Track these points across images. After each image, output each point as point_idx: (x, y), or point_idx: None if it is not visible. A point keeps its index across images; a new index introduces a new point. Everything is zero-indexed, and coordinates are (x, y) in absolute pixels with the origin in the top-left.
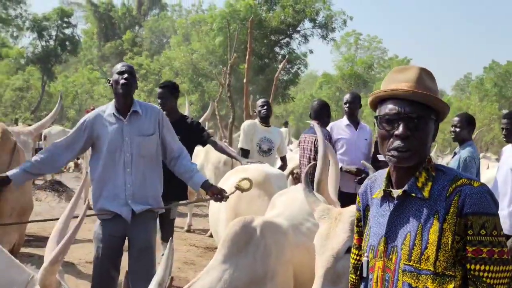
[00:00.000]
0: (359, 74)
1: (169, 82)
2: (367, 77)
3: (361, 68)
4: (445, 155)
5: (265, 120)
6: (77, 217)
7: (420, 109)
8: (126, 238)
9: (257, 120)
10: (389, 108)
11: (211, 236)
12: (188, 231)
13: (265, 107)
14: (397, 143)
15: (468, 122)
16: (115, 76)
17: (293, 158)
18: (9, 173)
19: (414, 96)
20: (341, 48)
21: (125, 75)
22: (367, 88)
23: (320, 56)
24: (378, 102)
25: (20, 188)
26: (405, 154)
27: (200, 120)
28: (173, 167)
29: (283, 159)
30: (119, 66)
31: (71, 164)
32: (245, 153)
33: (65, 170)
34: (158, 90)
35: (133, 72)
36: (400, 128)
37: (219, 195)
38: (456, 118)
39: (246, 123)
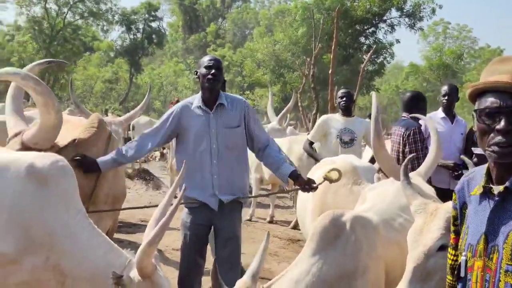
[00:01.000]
0: (448, 64)
1: None
2: (456, 67)
3: (449, 58)
4: None
5: (345, 111)
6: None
7: None
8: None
9: (338, 113)
10: (489, 101)
11: (294, 228)
12: (270, 222)
13: (344, 98)
14: (498, 138)
15: None
16: (203, 70)
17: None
18: (98, 159)
19: None
20: (429, 37)
21: (212, 71)
22: (456, 79)
23: (406, 46)
24: (478, 94)
25: (114, 177)
26: (507, 149)
27: (283, 112)
28: (261, 158)
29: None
30: (206, 60)
31: (157, 153)
32: (310, 144)
33: (151, 159)
34: None
35: (220, 66)
36: (502, 123)
37: (307, 185)
38: None
39: (322, 117)
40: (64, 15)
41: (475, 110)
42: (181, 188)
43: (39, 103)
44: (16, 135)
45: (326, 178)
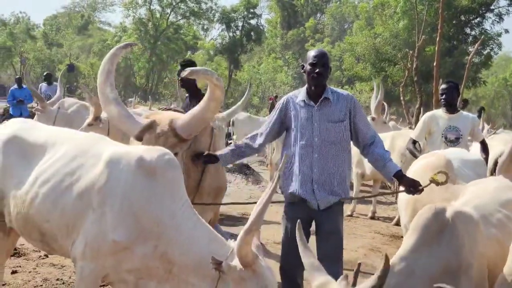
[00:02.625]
0: None
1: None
2: None
3: None
4: None
5: (448, 108)
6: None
7: None
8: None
9: (441, 109)
10: None
11: (396, 224)
12: (372, 218)
13: (444, 95)
14: None
15: None
16: (308, 67)
17: (492, 146)
18: (218, 153)
19: None
20: None
21: (317, 70)
22: None
23: None
24: None
25: (216, 170)
26: None
27: (375, 105)
28: (366, 155)
29: (482, 143)
30: (311, 56)
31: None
32: (413, 143)
33: None
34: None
35: (326, 62)
36: None
37: (412, 187)
38: None
39: (426, 115)
40: (168, 15)
41: None
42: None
43: (214, 97)
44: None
45: (432, 181)
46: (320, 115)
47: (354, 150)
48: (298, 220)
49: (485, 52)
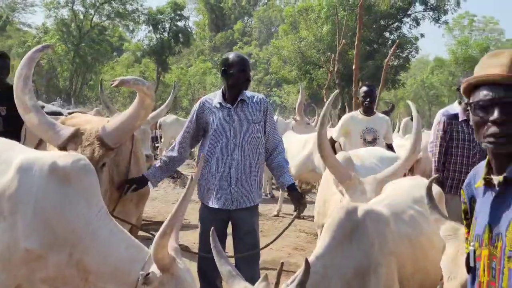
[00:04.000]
0: (474, 57)
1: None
2: None
3: (476, 51)
4: None
5: (367, 110)
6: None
7: None
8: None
9: (359, 111)
10: (482, 94)
11: None
12: (276, 215)
13: (368, 98)
14: (493, 129)
15: None
16: (228, 69)
17: (404, 145)
18: (146, 174)
19: (507, 79)
20: (454, 31)
21: (247, 74)
22: None
23: (431, 40)
24: (472, 89)
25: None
26: (502, 139)
27: (296, 108)
28: (267, 159)
29: (390, 147)
30: (230, 58)
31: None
32: (332, 143)
33: None
34: None
35: (246, 65)
36: (495, 114)
37: (298, 202)
38: None
39: (344, 117)
40: (91, 16)
41: (469, 104)
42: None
43: (144, 106)
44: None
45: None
46: (238, 116)
47: None
48: (212, 228)
49: (403, 56)
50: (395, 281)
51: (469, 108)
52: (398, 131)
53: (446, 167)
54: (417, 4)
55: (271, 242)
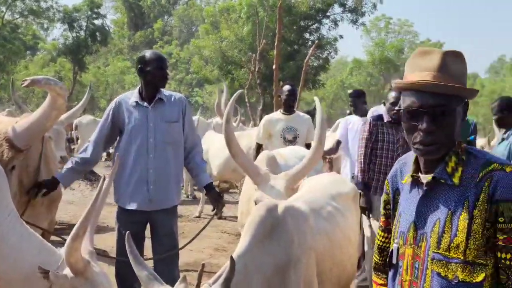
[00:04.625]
0: (390, 58)
1: None
2: (398, 61)
3: (391, 52)
4: None
5: (287, 109)
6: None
7: (445, 100)
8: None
9: (279, 110)
10: (411, 100)
11: None
12: (220, 218)
13: (292, 96)
14: (422, 137)
15: (509, 105)
16: (144, 67)
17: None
18: (58, 176)
19: (436, 88)
20: (371, 33)
21: (163, 72)
22: (398, 73)
23: (350, 41)
24: (401, 90)
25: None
26: (431, 147)
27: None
28: (185, 159)
29: (308, 146)
30: (147, 56)
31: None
32: (258, 147)
33: None
34: None
35: (162, 63)
36: (424, 123)
37: (216, 200)
38: (496, 104)
39: (264, 118)
40: (3, 14)
41: (398, 109)
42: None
43: (56, 106)
44: None
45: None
46: (155, 115)
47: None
48: (128, 232)
49: (323, 56)
50: (314, 276)
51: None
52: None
53: (371, 168)
54: (335, 6)
55: (188, 243)
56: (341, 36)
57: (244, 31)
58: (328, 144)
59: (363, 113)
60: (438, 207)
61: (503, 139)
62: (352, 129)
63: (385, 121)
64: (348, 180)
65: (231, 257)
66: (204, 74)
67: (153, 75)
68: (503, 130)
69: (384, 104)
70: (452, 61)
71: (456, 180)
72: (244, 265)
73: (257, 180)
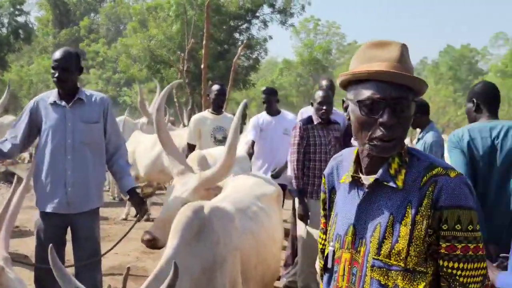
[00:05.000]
0: (318, 59)
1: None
2: (326, 62)
3: (319, 53)
4: None
5: (216, 109)
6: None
7: (405, 92)
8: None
9: (207, 110)
10: (371, 92)
11: None
12: (147, 220)
13: (221, 96)
14: (382, 131)
15: (421, 107)
16: (54, 66)
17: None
18: None
19: (402, 79)
20: (301, 34)
21: (56, 74)
22: (327, 73)
23: (281, 42)
24: (353, 82)
25: None
26: (390, 143)
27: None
28: (108, 162)
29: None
30: (54, 55)
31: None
32: (191, 148)
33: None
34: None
35: (66, 66)
36: (385, 116)
37: (138, 205)
38: None
39: (193, 118)
40: None
41: (357, 101)
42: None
43: None
44: None
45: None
46: (73, 115)
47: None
48: (50, 245)
49: (253, 57)
50: (239, 275)
51: (350, 104)
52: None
53: (305, 173)
54: (265, 6)
55: (111, 249)
56: (270, 37)
57: (173, 30)
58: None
59: (275, 112)
60: (379, 211)
61: (419, 139)
62: (266, 127)
63: (315, 123)
64: (271, 180)
65: (175, 263)
66: (132, 73)
67: (56, 75)
68: (419, 130)
69: (312, 104)
70: (407, 54)
71: (399, 183)
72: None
73: (175, 172)
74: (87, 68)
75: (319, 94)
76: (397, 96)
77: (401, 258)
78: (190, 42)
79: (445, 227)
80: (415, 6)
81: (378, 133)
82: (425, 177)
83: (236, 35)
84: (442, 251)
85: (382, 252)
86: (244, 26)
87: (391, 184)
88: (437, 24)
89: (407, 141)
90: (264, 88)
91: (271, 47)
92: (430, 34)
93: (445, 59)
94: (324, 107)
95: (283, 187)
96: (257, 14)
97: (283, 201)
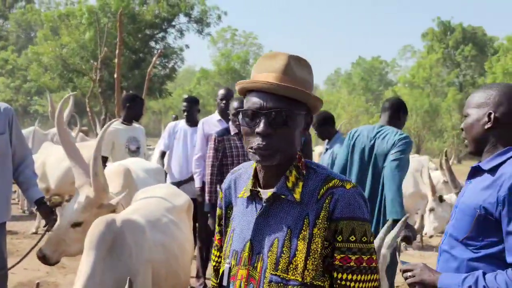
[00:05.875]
0: (236, 69)
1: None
2: (244, 72)
3: (237, 63)
4: None
5: (127, 119)
6: None
7: (286, 104)
8: None
9: (119, 120)
10: (252, 101)
11: None
12: (35, 233)
13: (137, 107)
14: (258, 141)
15: (327, 119)
16: None
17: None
18: None
19: (278, 90)
20: (218, 43)
21: None
22: None
23: (198, 51)
24: (246, 92)
25: None
26: (266, 152)
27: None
28: (14, 172)
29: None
30: None
31: None
32: (104, 160)
33: None
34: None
35: None
36: (261, 125)
37: (47, 216)
38: (314, 120)
39: (107, 131)
40: None
41: (240, 111)
42: None
43: None
44: None
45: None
46: None
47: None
48: None
49: (169, 65)
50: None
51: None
52: None
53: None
54: (181, 15)
55: (18, 262)
56: (187, 46)
57: (86, 38)
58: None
59: (194, 122)
60: (277, 225)
61: (327, 149)
62: (180, 137)
63: (232, 133)
64: (181, 192)
65: (129, 279)
66: (44, 82)
67: None
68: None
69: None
70: (296, 65)
71: (297, 196)
72: (88, 284)
73: (76, 185)
74: None
75: (233, 105)
76: (275, 106)
77: (299, 272)
78: (104, 51)
79: (340, 238)
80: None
81: (255, 142)
82: (322, 190)
83: (152, 43)
84: (337, 262)
85: (279, 267)
86: (160, 35)
87: (289, 197)
88: (349, 36)
89: (320, 149)
90: (185, 96)
91: (188, 56)
92: (345, 45)
93: (357, 70)
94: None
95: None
96: (173, 23)
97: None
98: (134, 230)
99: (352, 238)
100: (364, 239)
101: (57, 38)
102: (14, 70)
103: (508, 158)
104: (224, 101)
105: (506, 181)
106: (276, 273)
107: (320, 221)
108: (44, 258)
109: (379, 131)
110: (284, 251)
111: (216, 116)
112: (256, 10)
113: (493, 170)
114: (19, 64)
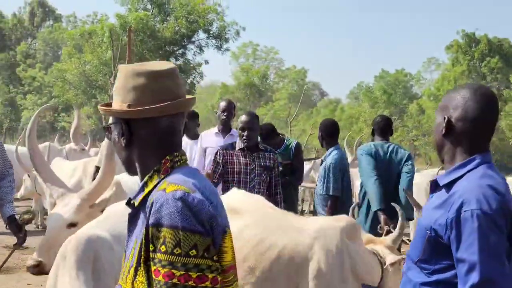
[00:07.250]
0: (255, 84)
1: None
2: (262, 87)
3: (256, 78)
4: None
5: None
6: None
7: (113, 119)
8: None
9: None
10: None
11: None
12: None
13: None
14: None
15: (324, 128)
16: None
17: None
18: None
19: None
20: (240, 58)
21: None
22: (263, 97)
23: (220, 67)
24: None
25: None
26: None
27: (72, 130)
28: None
29: None
30: None
31: None
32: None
33: None
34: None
35: None
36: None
37: (16, 233)
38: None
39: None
40: None
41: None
42: None
43: None
44: None
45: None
46: None
47: None
48: None
49: (188, 81)
50: None
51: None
52: None
53: None
54: (200, 32)
55: None
56: (206, 62)
57: (107, 56)
58: None
59: (193, 135)
60: (133, 235)
61: (322, 161)
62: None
63: (237, 148)
64: None
65: None
66: (68, 98)
67: None
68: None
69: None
70: (128, 78)
71: (136, 202)
72: None
73: (55, 196)
74: (24, 93)
75: (241, 119)
76: (108, 122)
77: (129, 283)
78: (117, 68)
79: (152, 247)
80: (352, 32)
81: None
82: (152, 195)
83: (172, 60)
84: (152, 275)
85: (123, 277)
86: (180, 51)
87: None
88: (372, 50)
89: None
90: None
91: (210, 72)
92: (367, 59)
93: (380, 84)
94: (246, 133)
95: None
96: (193, 39)
97: None
98: (103, 246)
99: (163, 249)
100: (177, 251)
101: (81, 55)
102: (42, 87)
103: (467, 172)
104: (225, 113)
105: (456, 201)
106: (121, 282)
107: (145, 229)
108: (38, 266)
109: (388, 147)
110: (129, 261)
111: (215, 129)
112: (276, 25)
113: (449, 186)
114: (46, 81)
